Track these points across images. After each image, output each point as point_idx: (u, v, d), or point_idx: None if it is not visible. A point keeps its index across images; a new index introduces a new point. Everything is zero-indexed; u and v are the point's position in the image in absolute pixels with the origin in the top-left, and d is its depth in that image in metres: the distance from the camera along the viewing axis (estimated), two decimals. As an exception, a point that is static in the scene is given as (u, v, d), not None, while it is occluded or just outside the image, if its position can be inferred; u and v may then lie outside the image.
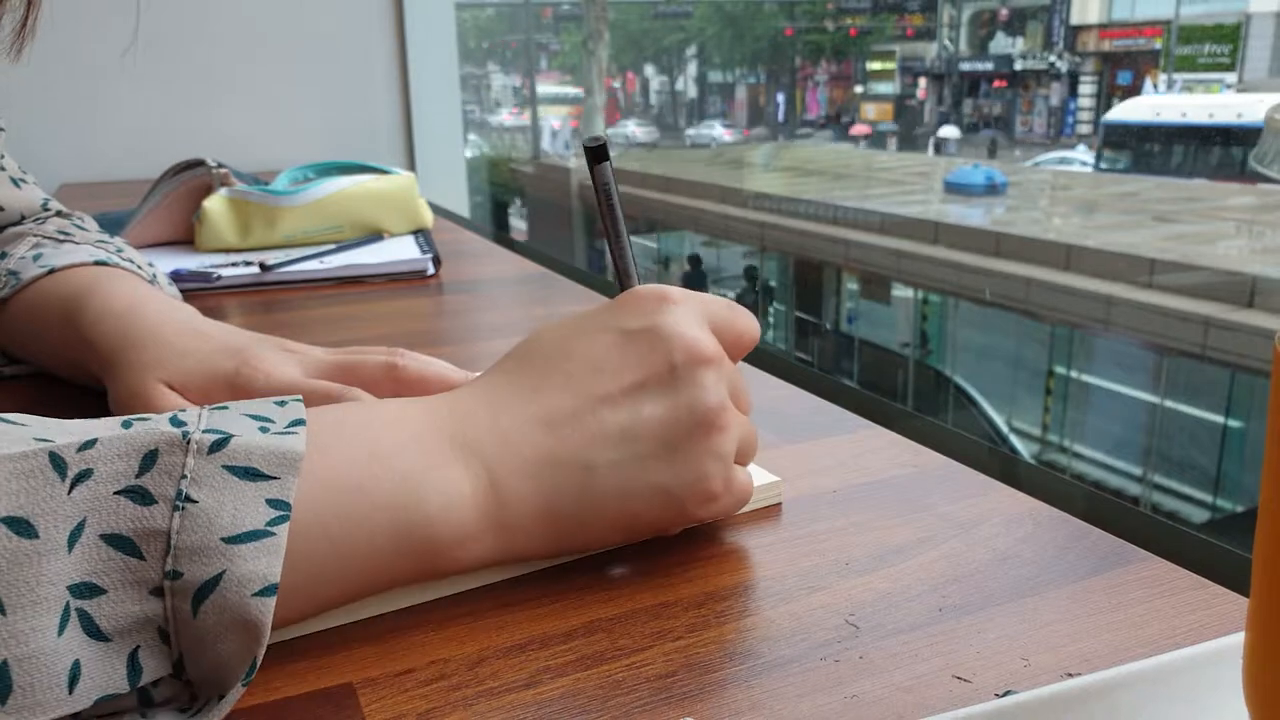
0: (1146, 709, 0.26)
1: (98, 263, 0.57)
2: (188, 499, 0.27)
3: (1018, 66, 19.50)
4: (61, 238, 0.61)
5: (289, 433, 0.30)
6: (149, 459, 0.27)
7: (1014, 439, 7.96)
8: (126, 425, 0.28)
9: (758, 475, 0.42)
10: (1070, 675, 0.30)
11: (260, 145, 1.55)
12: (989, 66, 20.02)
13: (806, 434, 0.49)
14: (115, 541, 0.26)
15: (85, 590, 0.26)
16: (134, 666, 0.26)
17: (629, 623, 0.33)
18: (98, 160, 1.49)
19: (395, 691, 0.30)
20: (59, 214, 0.67)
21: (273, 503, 0.28)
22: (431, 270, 0.87)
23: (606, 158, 0.37)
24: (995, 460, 0.47)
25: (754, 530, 0.39)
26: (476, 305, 0.79)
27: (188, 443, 0.28)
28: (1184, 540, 0.40)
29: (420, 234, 0.98)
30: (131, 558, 0.26)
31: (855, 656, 0.31)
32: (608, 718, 0.28)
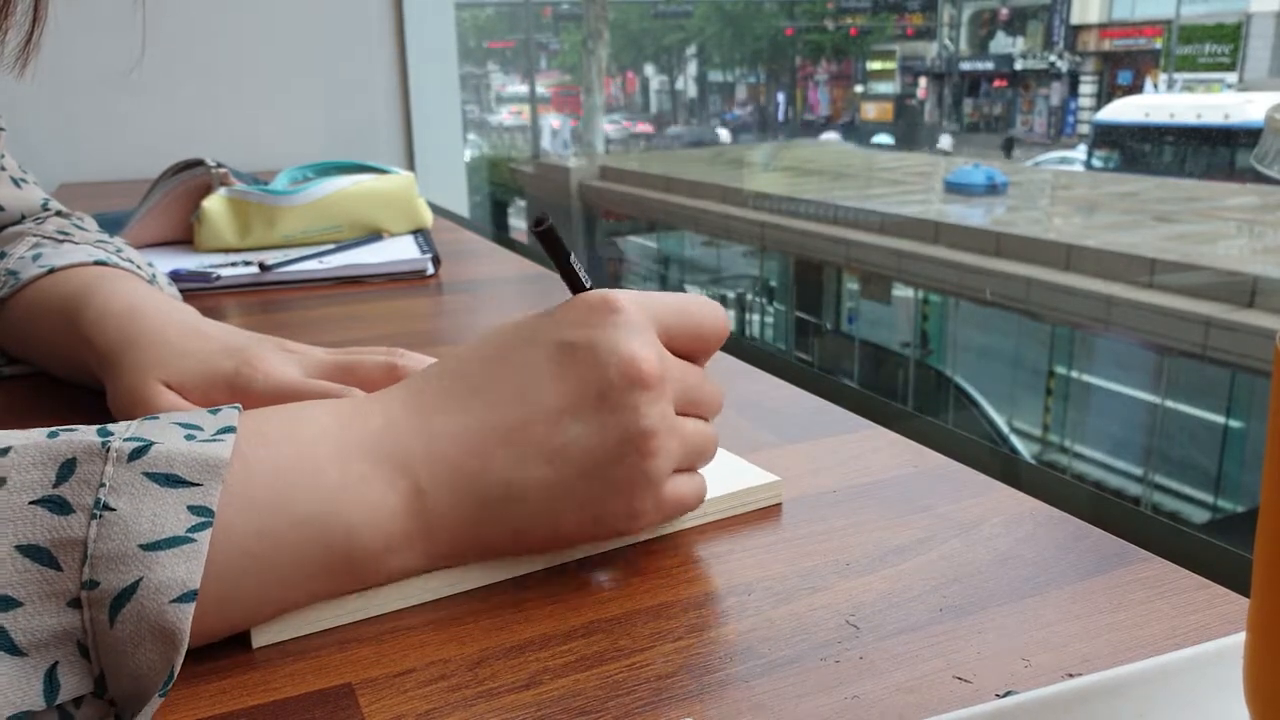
0: (1147, 709, 0.26)
1: (97, 263, 0.57)
2: (106, 507, 0.26)
3: (1018, 66, 19.51)
4: (61, 238, 0.61)
5: (215, 440, 0.29)
6: (67, 467, 0.27)
7: (1014, 439, 7.97)
8: (52, 436, 0.28)
9: (758, 475, 0.42)
10: (1071, 676, 0.30)
11: (260, 145, 1.55)
12: (989, 66, 20.02)
13: (806, 434, 0.49)
14: (31, 552, 0.25)
15: (0, 603, 0.25)
16: (51, 682, 0.26)
17: (629, 623, 0.33)
18: (98, 160, 1.49)
19: (395, 691, 0.30)
20: (59, 214, 0.67)
21: (194, 509, 0.28)
22: (431, 270, 0.87)
23: (554, 233, 0.36)
24: (996, 460, 0.47)
25: (754, 530, 0.39)
26: (476, 305, 0.79)
27: (107, 451, 0.27)
28: (1185, 540, 0.40)
29: (420, 234, 0.98)
30: (48, 569, 0.26)
31: (855, 657, 0.31)
32: (608, 718, 0.28)
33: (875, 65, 22.15)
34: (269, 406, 0.34)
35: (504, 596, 0.35)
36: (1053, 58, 19.09)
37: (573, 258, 0.37)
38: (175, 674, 0.26)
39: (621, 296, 0.36)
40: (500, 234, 1.20)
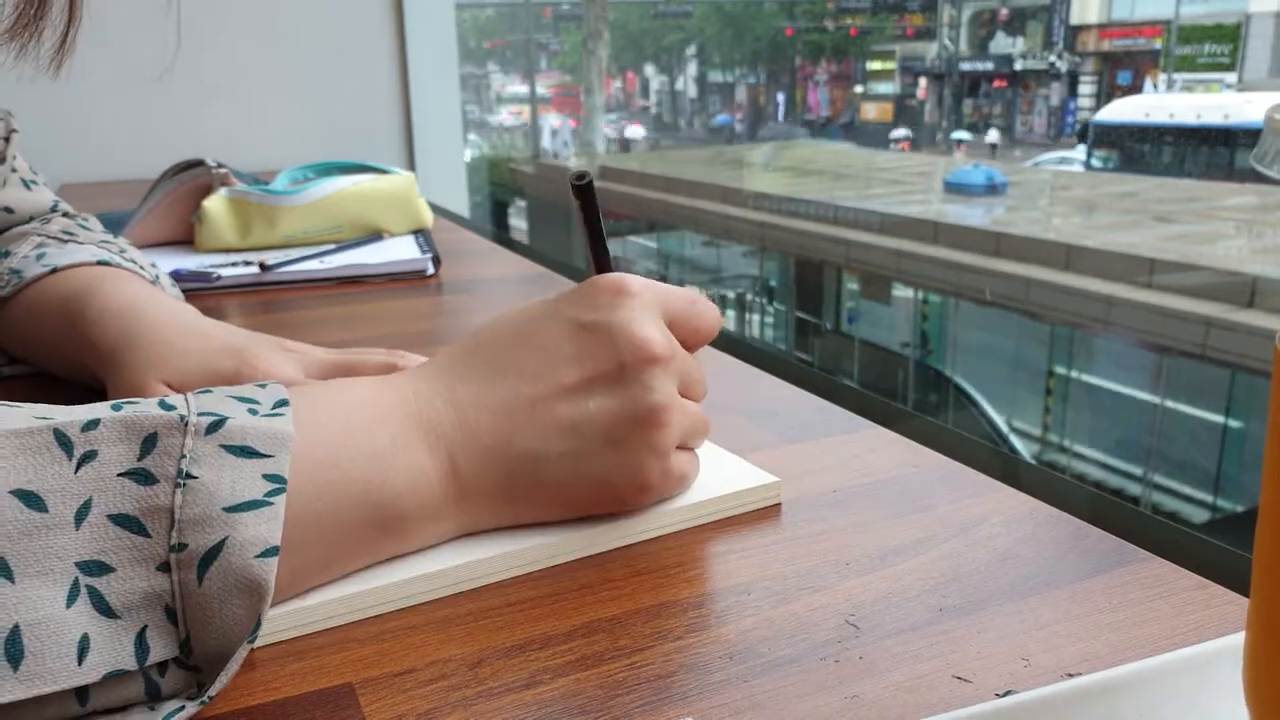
0: (1147, 709, 0.26)
1: (100, 263, 0.57)
2: (189, 476, 0.28)
3: (1018, 66, 19.50)
4: (65, 237, 0.61)
5: (276, 414, 0.31)
6: (149, 442, 0.28)
7: (1014, 439, 7.96)
8: (116, 409, 0.29)
9: (757, 475, 0.42)
10: (1071, 675, 0.30)
11: (260, 145, 1.55)
12: (989, 66, 20.01)
13: (806, 434, 0.49)
14: (122, 520, 0.27)
15: (94, 568, 0.27)
16: (141, 645, 0.27)
17: (629, 623, 0.33)
18: (98, 160, 1.49)
19: (395, 691, 0.30)
20: (64, 214, 0.67)
21: (269, 477, 0.29)
22: (431, 270, 0.87)
23: (593, 191, 0.39)
24: (995, 460, 0.47)
25: (754, 530, 0.39)
26: (476, 305, 0.79)
27: (185, 425, 0.29)
28: (1184, 540, 0.40)
29: (420, 234, 0.98)
30: (138, 535, 0.27)
31: (855, 656, 0.31)
32: (608, 718, 0.28)
33: (875, 65, 22.15)
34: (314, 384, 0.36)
35: (504, 596, 0.35)
36: (1052, 58, 19.09)
37: (603, 230, 0.40)
38: (262, 622, 0.28)
39: (634, 281, 0.38)
40: (500, 234, 1.20)
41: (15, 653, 0.25)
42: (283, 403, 0.32)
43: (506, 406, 0.36)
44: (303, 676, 0.31)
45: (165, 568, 0.27)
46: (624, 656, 0.31)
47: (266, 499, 0.29)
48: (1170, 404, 7.33)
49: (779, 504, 0.41)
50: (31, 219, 0.66)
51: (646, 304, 0.38)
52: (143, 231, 0.93)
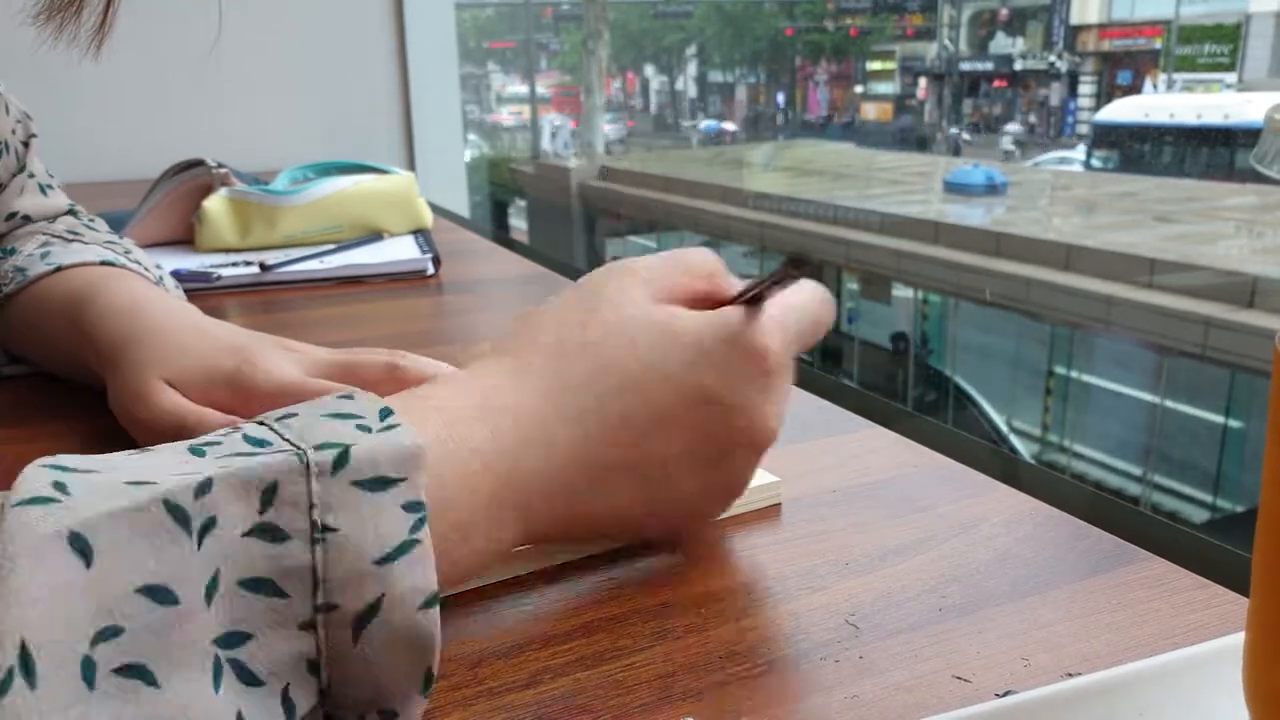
0: (1146, 709, 0.26)
1: (104, 262, 0.57)
2: (326, 528, 0.25)
3: (1018, 66, 19.50)
4: (71, 237, 0.61)
5: (389, 425, 0.28)
6: (270, 492, 0.25)
7: (1014, 439, 7.97)
8: (197, 453, 0.26)
9: (757, 475, 0.42)
10: (1070, 675, 0.30)
11: (260, 145, 1.55)
12: (989, 66, 20.01)
13: (806, 434, 0.49)
14: (254, 586, 0.25)
15: (233, 640, 0.24)
16: (288, 704, 0.25)
17: (629, 623, 0.33)
18: (98, 160, 1.49)
19: (395, 691, 0.30)
20: (71, 214, 0.67)
21: (409, 506, 0.27)
22: (431, 270, 0.87)
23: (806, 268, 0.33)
24: (995, 460, 0.47)
25: (754, 530, 0.39)
26: (476, 305, 0.79)
27: (306, 467, 0.26)
28: (1184, 540, 0.40)
29: (420, 234, 0.98)
30: (275, 598, 0.25)
31: (855, 656, 0.31)
32: (608, 718, 0.28)
33: (875, 66, 22.15)
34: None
35: (504, 596, 0.35)
36: (1052, 58, 19.09)
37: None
38: (435, 674, 0.27)
39: (772, 348, 0.34)
40: (500, 234, 1.20)
41: None
42: (387, 411, 0.29)
43: (595, 472, 0.33)
44: (303, 676, 0.31)
45: (309, 626, 0.25)
46: (624, 656, 0.31)
47: (413, 536, 0.26)
48: (1170, 404, 7.34)
49: (779, 504, 0.41)
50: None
51: (781, 384, 0.35)
52: (143, 231, 0.93)
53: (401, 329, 0.71)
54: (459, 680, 0.30)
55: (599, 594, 0.35)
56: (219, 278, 0.82)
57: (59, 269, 0.56)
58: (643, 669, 0.31)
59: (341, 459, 0.26)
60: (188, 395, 0.46)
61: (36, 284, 0.56)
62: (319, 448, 0.26)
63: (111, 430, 0.48)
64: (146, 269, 0.60)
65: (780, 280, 0.34)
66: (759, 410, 0.34)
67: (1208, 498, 6.95)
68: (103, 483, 0.23)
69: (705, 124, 22.05)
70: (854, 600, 0.34)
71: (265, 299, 0.80)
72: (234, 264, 0.86)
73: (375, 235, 0.96)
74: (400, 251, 0.90)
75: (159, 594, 0.23)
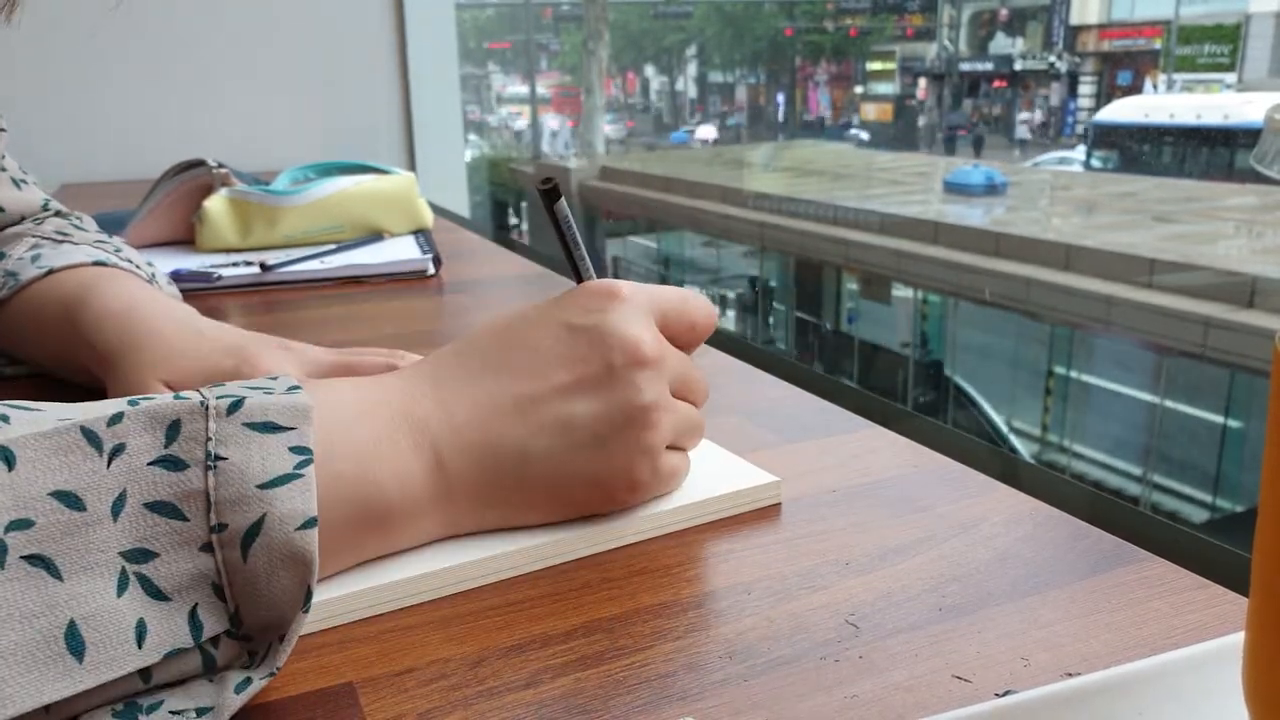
0: (1146, 709, 0.26)
1: (96, 263, 0.57)
2: (218, 458, 0.29)
3: (1018, 66, 19.50)
4: (60, 238, 0.61)
5: (292, 391, 0.32)
6: (173, 428, 0.29)
7: (1014, 439, 7.97)
8: (133, 404, 0.29)
9: (757, 476, 0.42)
10: (1070, 675, 0.30)
11: (260, 145, 1.55)
12: (989, 66, 20.01)
13: (806, 434, 0.49)
14: (158, 508, 0.28)
15: (138, 555, 0.27)
16: (195, 621, 0.28)
17: (629, 623, 0.33)
18: (98, 160, 1.49)
19: (395, 691, 0.30)
20: (58, 214, 0.67)
21: (295, 449, 0.30)
22: (431, 270, 0.87)
23: (559, 197, 0.39)
24: (995, 460, 0.47)
25: (754, 530, 0.39)
26: (476, 305, 0.79)
27: (206, 409, 0.29)
28: (1184, 540, 0.40)
29: (420, 234, 0.98)
30: (176, 520, 0.28)
31: (855, 656, 0.31)
32: (608, 718, 0.28)
33: (875, 66, 22.15)
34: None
35: (504, 596, 0.35)
36: (1052, 58, 19.09)
37: (577, 237, 0.40)
38: (313, 593, 0.29)
39: (624, 285, 0.38)
40: (501, 234, 1.20)
41: (77, 645, 0.26)
42: (296, 386, 0.32)
43: (494, 403, 0.36)
44: (303, 676, 0.31)
45: (208, 548, 0.28)
46: (624, 656, 0.31)
47: (297, 471, 0.29)
48: (1170, 404, 7.34)
49: (779, 504, 0.41)
50: (23, 218, 0.65)
51: (637, 306, 0.38)
52: (143, 231, 0.93)
53: (402, 329, 0.71)
54: (459, 680, 0.30)
55: (599, 594, 0.35)
56: (219, 278, 0.82)
57: (50, 272, 0.56)
58: (643, 669, 0.31)
59: (236, 405, 0.30)
60: None
61: (29, 288, 0.56)
62: (221, 397, 0.30)
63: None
64: (138, 267, 0.60)
65: (563, 228, 0.40)
66: (626, 328, 0.37)
67: (1207, 498, 6.95)
68: (38, 415, 0.28)
69: (676, 134, 21.42)
70: (854, 600, 0.34)
71: (266, 299, 0.80)
72: (234, 264, 0.86)
73: (376, 235, 0.96)
74: (401, 251, 0.90)
75: (68, 499, 0.26)
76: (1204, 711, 0.26)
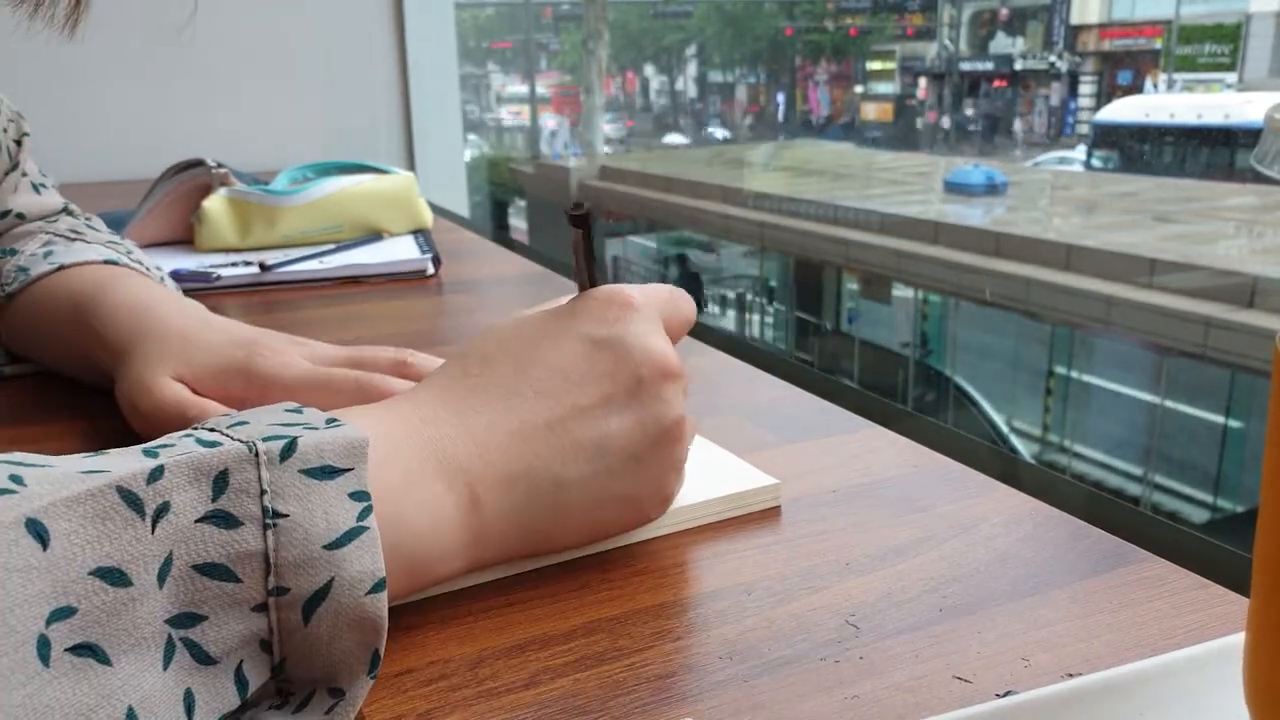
0: (1147, 709, 0.26)
1: (107, 261, 0.57)
2: (276, 514, 0.26)
3: (1018, 66, 19.50)
4: (73, 236, 0.61)
5: (334, 425, 0.29)
6: (220, 480, 0.26)
7: (1014, 439, 7.97)
8: (165, 448, 0.27)
9: (757, 478, 0.42)
10: (1071, 675, 0.30)
11: (260, 145, 1.55)
12: (989, 66, 20.01)
13: (806, 434, 0.49)
14: (208, 570, 0.26)
15: (185, 620, 0.25)
16: (240, 681, 0.26)
17: (629, 623, 0.33)
18: (98, 160, 1.49)
19: (395, 691, 0.30)
20: (68, 214, 0.67)
21: (355, 495, 0.28)
22: (431, 270, 0.87)
23: (591, 223, 0.37)
24: (995, 460, 0.47)
25: (754, 530, 0.39)
26: (476, 305, 0.79)
27: (255, 455, 0.27)
28: (1184, 540, 0.40)
29: (420, 234, 0.98)
30: (228, 582, 0.26)
31: (855, 656, 0.31)
32: (608, 718, 0.28)
33: (875, 65, 22.15)
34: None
35: (504, 596, 0.35)
36: (1052, 58, 19.09)
37: (605, 263, 0.38)
38: (380, 658, 0.28)
39: (632, 292, 0.38)
40: (500, 234, 1.20)
41: None
42: (333, 419, 0.30)
43: (525, 431, 0.34)
44: (303, 676, 0.31)
45: (262, 608, 0.26)
46: (624, 656, 0.31)
47: (361, 525, 0.27)
48: (1170, 404, 7.34)
49: (779, 504, 0.41)
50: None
51: (650, 316, 0.37)
52: (142, 231, 0.93)
53: (401, 329, 0.71)
54: (459, 680, 0.30)
55: (599, 594, 0.35)
56: (219, 278, 0.82)
57: (62, 268, 0.56)
58: (643, 669, 0.31)
59: (289, 448, 0.27)
60: (202, 388, 0.46)
61: (40, 282, 0.56)
62: (267, 439, 0.27)
63: (113, 430, 0.48)
64: (149, 269, 0.61)
65: (584, 245, 0.37)
66: (648, 341, 0.36)
67: (1208, 498, 6.95)
68: (57, 474, 0.24)
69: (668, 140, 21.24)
70: (854, 600, 0.34)
71: (265, 299, 0.80)
72: (234, 264, 0.86)
73: (375, 235, 0.96)
74: (400, 251, 0.90)
75: (112, 576, 0.24)
76: (1204, 711, 0.26)
